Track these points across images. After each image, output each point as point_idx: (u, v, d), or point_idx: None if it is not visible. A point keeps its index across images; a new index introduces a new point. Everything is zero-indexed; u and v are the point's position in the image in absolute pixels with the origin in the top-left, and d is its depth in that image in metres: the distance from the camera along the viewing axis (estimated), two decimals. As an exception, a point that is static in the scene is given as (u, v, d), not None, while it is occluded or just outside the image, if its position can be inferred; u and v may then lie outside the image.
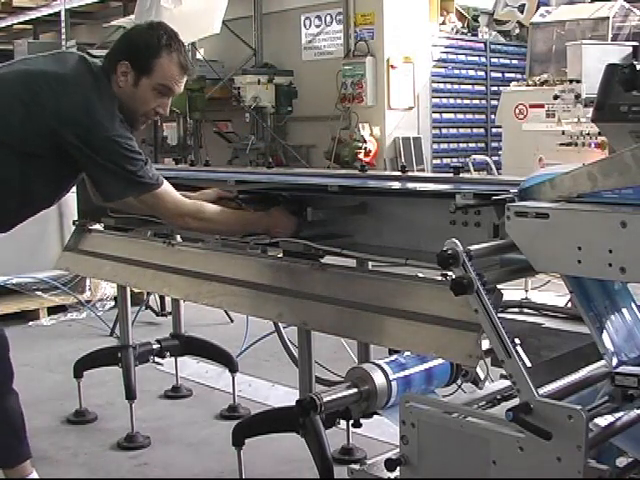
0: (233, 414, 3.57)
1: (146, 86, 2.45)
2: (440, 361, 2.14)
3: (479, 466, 1.70)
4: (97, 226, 3.34)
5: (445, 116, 11.15)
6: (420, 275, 2.14)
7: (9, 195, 2.46)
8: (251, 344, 4.42)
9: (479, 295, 1.66)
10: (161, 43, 2.45)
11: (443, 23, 11.20)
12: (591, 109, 2.77)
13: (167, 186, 2.44)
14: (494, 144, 11.33)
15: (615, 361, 1.74)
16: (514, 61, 12.00)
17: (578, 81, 7.01)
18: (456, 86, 11.31)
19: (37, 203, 2.59)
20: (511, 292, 2.91)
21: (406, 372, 2.10)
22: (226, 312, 5.03)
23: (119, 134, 2.37)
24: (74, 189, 3.38)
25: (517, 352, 1.66)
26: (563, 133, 7.11)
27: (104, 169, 2.37)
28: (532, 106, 7.94)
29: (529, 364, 1.84)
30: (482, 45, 11.74)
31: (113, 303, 5.48)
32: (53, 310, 5.56)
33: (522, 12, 12.14)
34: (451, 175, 2.32)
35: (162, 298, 5.30)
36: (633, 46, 7.75)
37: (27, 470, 2.63)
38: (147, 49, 2.44)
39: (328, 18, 10.71)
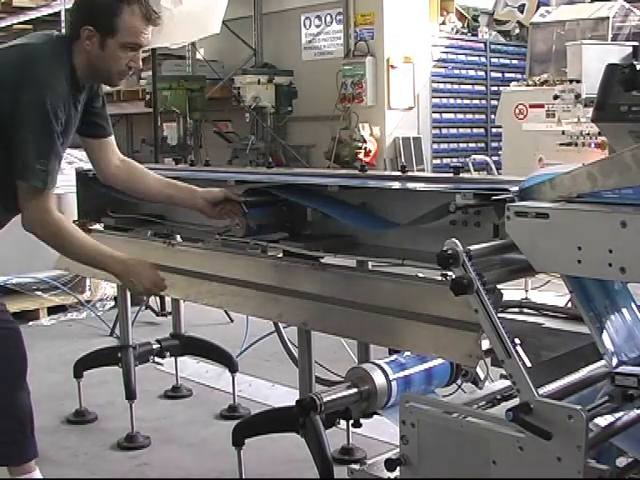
0: (233, 414, 3.57)
1: (113, 46, 2.41)
2: (440, 361, 2.14)
3: (479, 466, 1.70)
4: (97, 226, 3.34)
5: (445, 116, 11.15)
6: (420, 275, 2.15)
7: None
8: (251, 344, 4.42)
9: (479, 295, 1.66)
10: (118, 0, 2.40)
11: (443, 23, 11.20)
12: (591, 109, 2.77)
13: (52, 193, 2.38)
14: (494, 144, 11.33)
15: (615, 361, 1.74)
16: (514, 61, 12.00)
17: (578, 81, 7.01)
18: (456, 86, 11.31)
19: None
20: (511, 292, 2.91)
21: (406, 372, 2.10)
22: (226, 312, 5.03)
23: (48, 101, 2.30)
24: (74, 189, 3.39)
25: (517, 352, 1.66)
26: (563, 133, 7.10)
27: (21, 138, 2.30)
28: (532, 106, 7.94)
29: (529, 364, 1.84)
30: (482, 45, 11.74)
31: (113, 303, 5.48)
32: (53, 310, 5.56)
33: (522, 12, 12.14)
34: (451, 175, 2.32)
35: (162, 298, 5.29)
36: (633, 46, 7.74)
37: (32, 469, 2.60)
38: (107, 8, 2.39)
39: (328, 18, 10.71)
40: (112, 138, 2.72)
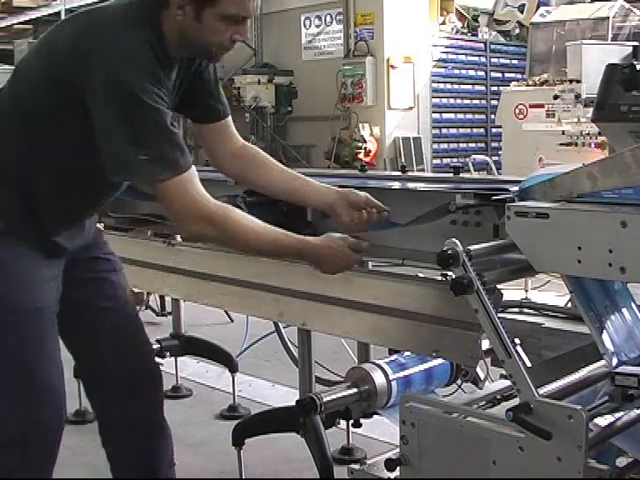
0: (233, 414, 3.57)
1: (212, 18, 1.88)
2: (440, 361, 2.14)
3: (479, 466, 1.70)
4: (97, 226, 3.34)
5: (445, 116, 11.15)
6: (420, 275, 2.15)
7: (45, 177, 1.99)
8: (251, 344, 4.41)
9: (479, 295, 1.66)
10: None
11: (443, 23, 11.21)
12: (591, 109, 2.77)
13: (188, 177, 1.87)
14: (494, 144, 11.33)
15: (615, 361, 1.74)
16: (514, 61, 12.01)
17: (578, 81, 7.02)
18: (456, 86, 11.32)
19: (78, 185, 2.03)
20: (511, 292, 2.91)
21: (406, 372, 2.10)
22: (226, 312, 5.03)
23: (130, 79, 1.78)
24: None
25: (517, 352, 1.66)
26: (563, 133, 7.12)
27: (103, 128, 1.82)
28: (532, 106, 7.95)
29: (529, 364, 1.85)
30: (482, 45, 11.74)
31: (113, 303, 5.47)
32: (53, 310, 5.55)
33: (522, 12, 12.14)
34: (451, 175, 2.32)
35: (162, 298, 5.29)
36: (633, 46, 7.75)
37: None
38: None
39: (328, 18, 10.71)
40: (228, 120, 2.22)
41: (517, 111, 8.15)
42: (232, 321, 5.14)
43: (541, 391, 1.65)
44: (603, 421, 1.72)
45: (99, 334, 2.19)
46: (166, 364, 4.04)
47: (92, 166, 1.91)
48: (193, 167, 1.90)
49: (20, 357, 1.97)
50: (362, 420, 2.38)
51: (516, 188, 1.86)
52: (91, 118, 1.84)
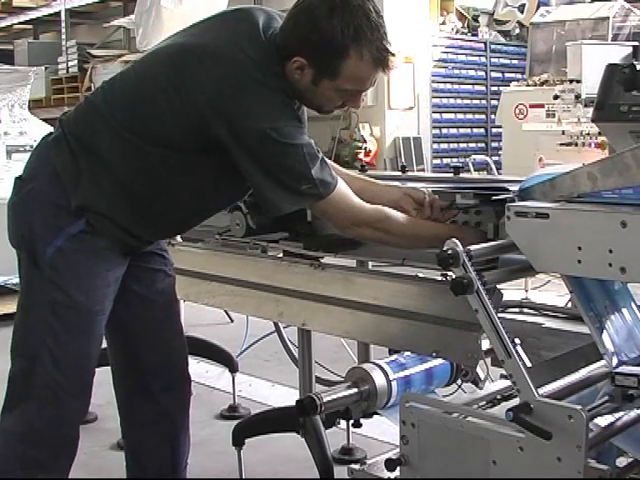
0: (233, 414, 3.57)
1: (328, 87, 1.95)
2: (440, 361, 2.14)
3: (479, 466, 1.70)
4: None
5: (445, 116, 11.16)
6: (420, 275, 2.15)
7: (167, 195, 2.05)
8: (251, 344, 4.41)
9: (479, 295, 1.66)
10: (346, 38, 1.87)
11: (443, 23, 11.22)
12: (591, 109, 2.77)
13: (341, 188, 1.96)
14: (494, 144, 11.34)
15: (615, 361, 1.74)
16: (514, 61, 12.02)
17: (578, 81, 7.02)
18: (456, 86, 11.33)
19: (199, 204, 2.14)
20: (511, 292, 2.91)
21: (406, 372, 2.10)
22: (226, 312, 5.03)
23: (277, 127, 1.86)
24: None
25: (517, 352, 1.66)
26: (563, 133, 7.12)
27: (258, 172, 1.91)
28: (532, 106, 7.95)
29: (529, 364, 1.85)
30: (482, 45, 11.76)
31: (113, 303, 5.47)
32: (53, 310, 5.54)
33: (522, 12, 12.16)
34: (451, 175, 2.32)
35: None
36: (633, 46, 7.75)
37: None
38: (331, 49, 1.89)
39: (328, 18, 10.70)
40: None
41: (517, 111, 8.15)
42: (232, 321, 5.14)
43: (541, 391, 1.65)
44: (603, 421, 1.72)
45: (139, 324, 2.25)
46: (166, 364, 4.05)
47: (210, 186, 2.05)
48: (339, 178, 1.99)
49: (67, 348, 2.10)
50: (362, 420, 2.38)
51: (516, 188, 1.86)
52: (221, 149, 1.91)
